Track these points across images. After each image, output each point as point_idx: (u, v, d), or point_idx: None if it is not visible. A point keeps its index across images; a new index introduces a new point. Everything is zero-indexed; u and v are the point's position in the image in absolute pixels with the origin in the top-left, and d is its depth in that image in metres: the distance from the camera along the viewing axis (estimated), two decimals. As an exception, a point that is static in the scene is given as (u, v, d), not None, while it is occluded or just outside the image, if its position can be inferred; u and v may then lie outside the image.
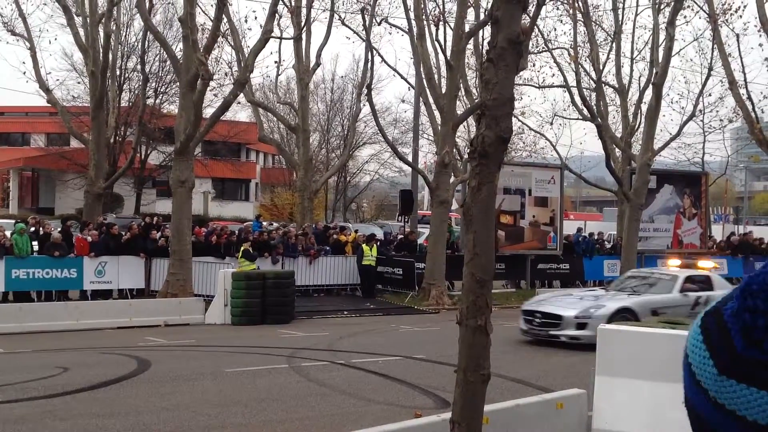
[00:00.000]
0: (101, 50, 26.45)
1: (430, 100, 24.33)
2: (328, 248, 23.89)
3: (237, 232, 23.30)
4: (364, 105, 31.25)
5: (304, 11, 27.71)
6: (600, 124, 26.75)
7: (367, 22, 25.89)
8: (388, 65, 32.67)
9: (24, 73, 28.59)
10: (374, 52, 26.57)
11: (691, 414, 1.04)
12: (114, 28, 27.72)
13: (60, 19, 29.63)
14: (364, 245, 23.38)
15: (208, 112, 26.69)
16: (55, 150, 49.80)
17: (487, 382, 5.51)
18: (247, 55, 22.68)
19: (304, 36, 28.22)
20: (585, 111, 27.62)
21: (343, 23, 28.82)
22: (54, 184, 51.26)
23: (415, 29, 23.90)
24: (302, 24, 27.81)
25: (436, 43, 24.37)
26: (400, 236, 26.25)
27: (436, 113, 24.31)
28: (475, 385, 5.39)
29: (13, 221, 24.78)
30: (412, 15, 23.92)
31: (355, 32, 28.89)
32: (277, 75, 31.96)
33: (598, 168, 33.40)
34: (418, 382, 11.53)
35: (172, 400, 10.31)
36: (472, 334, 5.32)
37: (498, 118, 5.12)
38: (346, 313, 20.62)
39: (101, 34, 26.47)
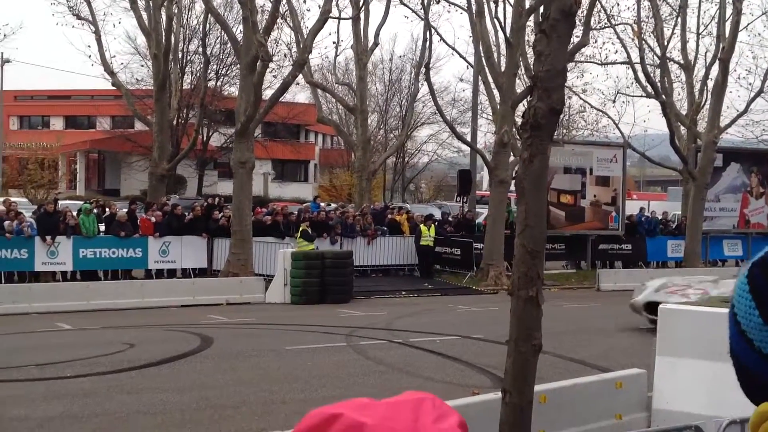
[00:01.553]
0: (164, 33, 26.92)
1: (489, 78, 24.09)
2: (385, 228, 23.96)
3: (296, 212, 23.56)
4: (422, 85, 31.17)
5: (362, -9, 27.69)
6: (664, 101, 26.17)
7: (426, 1, 25.72)
8: (447, 44, 32.42)
9: (89, 56, 29.42)
10: (433, 30, 26.43)
11: (736, 364, 1.04)
12: (176, 11, 28.17)
13: (123, 3, 30.30)
14: (422, 225, 23.38)
15: (267, 93, 26.95)
16: (120, 132, 50.93)
17: (538, 353, 5.51)
18: (305, 36, 22.79)
19: (362, 16, 28.22)
20: (649, 88, 27.04)
21: (402, 2, 28.70)
22: (119, 166, 52.47)
23: (474, 7, 23.65)
24: (360, 3, 27.81)
25: (495, 20, 24.09)
26: (459, 216, 26.15)
27: (495, 92, 24.07)
28: (527, 355, 5.40)
29: (81, 202, 25.45)
30: (470, -7, 23.67)
31: (413, 11, 28.77)
32: (336, 55, 32.05)
33: (663, 146, 32.70)
34: (475, 361, 11.53)
35: (234, 375, 10.52)
36: (524, 304, 5.33)
37: (550, 89, 5.08)
38: (404, 293, 20.69)
39: (163, 17, 26.92)
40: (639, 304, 14.31)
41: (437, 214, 28.02)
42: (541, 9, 23.46)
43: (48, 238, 19.12)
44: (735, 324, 1.03)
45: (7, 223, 19.09)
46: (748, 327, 1.01)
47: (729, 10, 25.70)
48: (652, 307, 12.85)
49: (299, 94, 50.71)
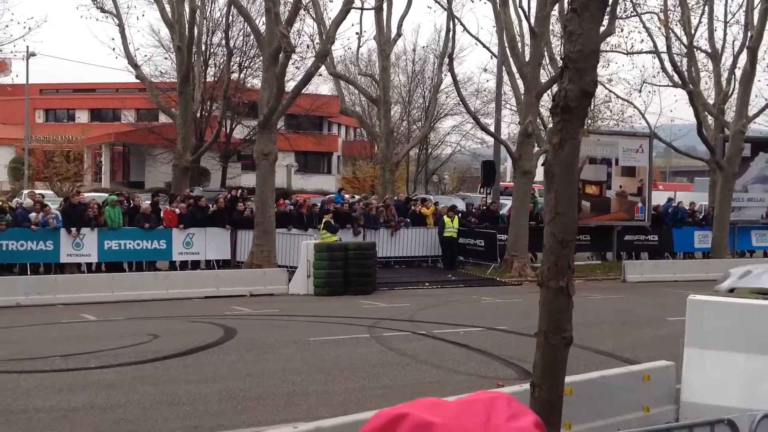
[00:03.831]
0: (187, 26, 26.95)
1: (513, 68, 23.88)
2: (408, 220, 23.85)
3: (319, 204, 23.55)
4: (445, 75, 31.04)
5: (385, -19, 27.54)
6: (691, 91, 25.80)
7: (449, -9, 25.52)
8: (470, 34, 31.75)
9: (113, 49, 29.48)
10: (456, 21, 26.21)
11: None
12: (199, 3, 28.21)
13: (147, -4, 30.33)
14: (445, 217, 23.25)
15: (290, 85, 26.95)
16: (144, 125, 51.25)
17: (569, 346, 5.37)
18: (328, 27, 22.70)
19: (385, 6, 28.08)
20: (676, 77, 26.67)
21: (425, -8, 28.53)
22: (144, 159, 52.84)
23: (498, -4, 23.42)
24: (383, -6, 27.65)
25: (519, 9, 23.85)
26: (482, 207, 25.98)
27: (520, 82, 23.84)
28: (557, 348, 5.27)
29: (107, 195, 25.60)
30: (494, -19, 23.44)
31: (436, 1, 28.55)
32: (359, 47, 32.13)
33: (689, 137, 32.33)
34: (500, 353, 11.43)
35: (257, 367, 10.50)
36: (554, 295, 5.18)
37: (582, 71, 4.91)
38: (427, 284, 20.60)
39: (187, 9, 26.94)
40: (723, 291, 13.99)
41: (461, 206, 27.85)
42: (566, -3, 23.01)
43: (73, 230, 19.23)
44: None
45: (33, 215, 19.24)
46: None
47: (757, -2, 25.29)
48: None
49: (322, 85, 50.78)
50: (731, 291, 12.63)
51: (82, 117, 59.22)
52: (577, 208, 5.40)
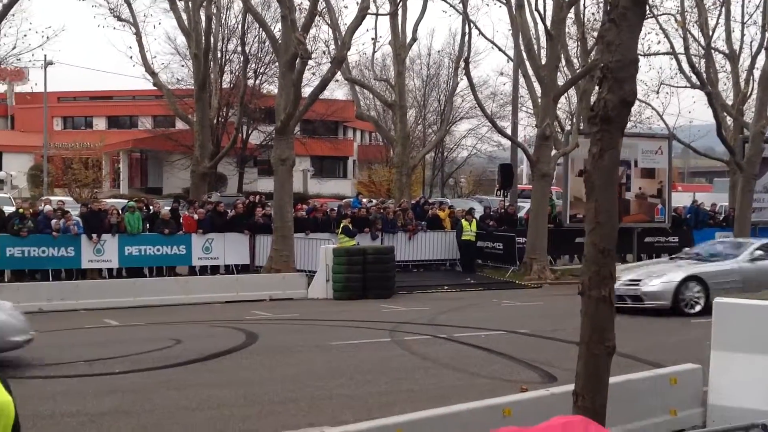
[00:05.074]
0: (203, 33, 27.07)
1: (530, 71, 23.84)
2: (423, 223, 23.84)
3: (337, 208, 23.59)
4: (461, 79, 30.97)
5: (400, -14, 27.57)
6: (710, 92, 25.67)
7: (464, -5, 25.49)
8: (486, 38, 31.58)
9: (131, 57, 29.63)
10: (471, 24, 26.18)
11: None
12: (215, 11, 28.28)
13: (163, 4, 30.63)
14: (463, 220, 23.24)
15: (306, 91, 26.99)
16: (161, 132, 51.54)
17: (612, 355, 5.35)
18: (343, 33, 22.75)
19: (400, 11, 28.11)
20: (694, 78, 26.52)
21: (440, -3, 28.53)
22: (161, 165, 53.09)
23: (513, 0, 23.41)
24: (398, -1, 27.70)
25: (535, 12, 23.77)
26: (500, 210, 25.93)
27: (536, 85, 23.80)
28: (599, 358, 5.25)
29: (125, 201, 25.76)
30: (510, -15, 23.41)
31: (451, 5, 28.55)
32: (374, 52, 31.95)
33: (708, 138, 32.14)
34: (522, 356, 11.39)
35: (280, 371, 10.53)
36: (596, 305, 5.16)
37: (621, 80, 4.91)
38: (446, 288, 20.58)
39: (203, 17, 27.06)
40: None
41: (479, 209, 27.80)
42: (582, 1, 22.95)
43: (94, 236, 19.37)
44: None
45: (54, 221, 19.39)
46: None
47: (775, -2, 25.15)
48: None
49: (337, 90, 50.80)
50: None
51: (100, 124, 59.61)
52: (618, 216, 5.40)
